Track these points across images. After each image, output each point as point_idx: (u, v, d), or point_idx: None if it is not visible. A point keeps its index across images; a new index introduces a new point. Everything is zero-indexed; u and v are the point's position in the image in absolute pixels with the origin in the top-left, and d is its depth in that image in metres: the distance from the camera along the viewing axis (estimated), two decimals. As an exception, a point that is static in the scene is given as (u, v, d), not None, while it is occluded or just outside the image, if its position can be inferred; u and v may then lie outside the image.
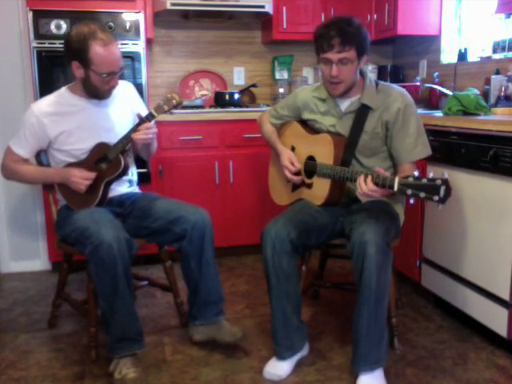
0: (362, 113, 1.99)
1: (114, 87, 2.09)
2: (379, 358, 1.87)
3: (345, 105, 2.03)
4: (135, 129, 2.06)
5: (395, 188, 1.65)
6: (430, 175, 1.58)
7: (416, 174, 1.61)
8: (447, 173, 2.28)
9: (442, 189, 1.54)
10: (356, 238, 1.81)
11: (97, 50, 1.95)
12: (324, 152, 2.01)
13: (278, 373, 1.96)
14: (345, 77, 1.92)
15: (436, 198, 1.55)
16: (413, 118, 1.97)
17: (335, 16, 1.97)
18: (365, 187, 1.74)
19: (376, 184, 1.71)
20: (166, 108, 2.08)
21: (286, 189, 2.26)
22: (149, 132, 2.06)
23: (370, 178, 1.73)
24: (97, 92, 2.08)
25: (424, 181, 1.58)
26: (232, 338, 2.11)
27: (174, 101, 2.08)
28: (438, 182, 1.55)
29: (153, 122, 2.10)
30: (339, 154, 1.98)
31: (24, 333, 2.38)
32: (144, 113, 2.17)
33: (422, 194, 1.58)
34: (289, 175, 2.12)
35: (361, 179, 1.75)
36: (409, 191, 1.61)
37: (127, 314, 1.94)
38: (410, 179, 1.61)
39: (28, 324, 2.47)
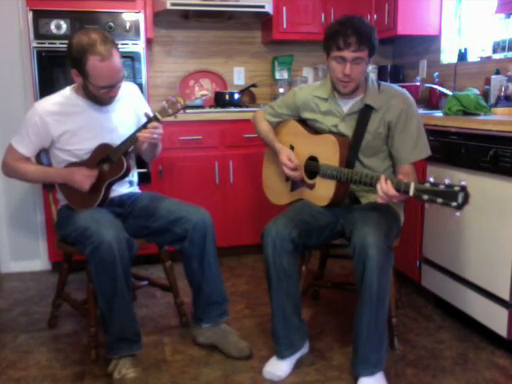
0: (365, 113, 1.98)
1: (113, 97, 2.08)
2: (380, 362, 1.87)
3: (347, 105, 2.02)
4: (140, 130, 2.05)
5: (411, 193, 1.64)
6: (447, 181, 1.57)
7: (432, 179, 1.61)
8: (448, 174, 2.30)
9: (461, 195, 1.54)
10: (357, 240, 1.80)
11: (94, 64, 1.92)
12: (328, 153, 2.00)
13: (278, 372, 1.96)
14: (356, 76, 1.91)
15: (454, 204, 1.55)
16: (414, 119, 1.97)
17: (346, 15, 1.94)
18: (384, 191, 1.71)
19: None
20: (170, 111, 2.07)
21: (284, 188, 2.25)
22: (155, 131, 2.04)
23: (390, 182, 1.71)
24: (96, 100, 2.08)
25: (442, 187, 1.57)
26: (238, 355, 2.09)
27: (178, 104, 2.07)
28: (457, 188, 1.55)
29: None
30: (344, 154, 1.97)
31: (24, 333, 2.38)
32: (149, 112, 2.17)
33: (440, 200, 1.57)
34: (287, 171, 2.10)
35: (381, 184, 1.72)
36: (425, 197, 1.60)
37: (126, 314, 1.94)
38: (427, 185, 1.60)
39: (28, 324, 2.47)
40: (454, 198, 1.55)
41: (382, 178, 1.74)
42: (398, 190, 1.69)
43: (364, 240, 1.78)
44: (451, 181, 1.58)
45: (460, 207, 1.55)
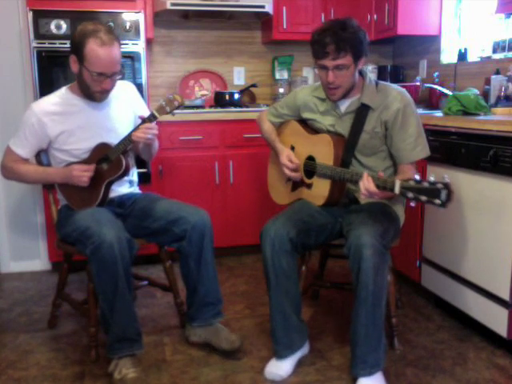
0: (361, 112, 1.99)
1: (106, 90, 2.07)
2: (378, 362, 1.86)
3: (344, 105, 2.03)
4: (135, 130, 2.05)
5: (396, 191, 1.64)
6: (431, 179, 1.57)
7: (417, 177, 1.60)
8: (448, 174, 2.29)
9: (444, 193, 1.53)
10: (352, 240, 1.81)
11: (92, 47, 1.94)
12: (324, 152, 2.01)
13: (279, 373, 1.96)
14: (342, 82, 1.91)
15: (437, 201, 1.54)
16: (412, 118, 1.97)
17: (331, 19, 1.96)
18: (365, 187, 1.73)
19: (377, 186, 1.71)
20: (168, 109, 2.07)
21: (285, 188, 2.26)
22: (148, 132, 2.04)
23: (371, 179, 1.73)
24: (89, 91, 2.06)
25: (425, 184, 1.57)
26: (229, 346, 2.10)
27: (176, 102, 2.07)
28: (440, 185, 1.54)
29: (154, 122, 2.09)
30: (339, 154, 1.98)
31: (24, 333, 2.38)
32: (145, 112, 2.17)
33: (424, 198, 1.57)
34: (287, 172, 2.11)
35: (363, 181, 1.74)
36: (410, 194, 1.60)
37: (127, 314, 1.94)
38: (412, 182, 1.60)
39: (28, 324, 2.47)
40: (437, 195, 1.54)
41: (365, 174, 1.75)
42: (384, 187, 1.69)
43: (359, 240, 1.78)
44: (436, 178, 1.57)
45: (444, 205, 1.54)
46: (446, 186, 1.54)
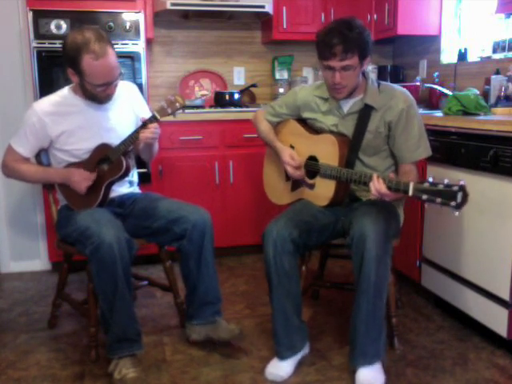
0: (365, 113, 1.98)
1: (111, 95, 2.08)
2: (378, 352, 1.87)
3: (347, 105, 2.02)
4: (138, 131, 2.05)
5: (410, 193, 1.64)
6: (446, 181, 1.57)
7: (431, 179, 1.60)
8: (448, 174, 2.30)
9: (459, 195, 1.54)
10: (356, 230, 1.81)
11: (89, 63, 1.92)
12: (327, 153, 2.00)
13: (280, 373, 1.96)
14: (348, 82, 1.91)
15: (453, 203, 1.55)
16: (415, 119, 1.97)
17: (336, 19, 1.95)
18: (376, 189, 1.72)
19: (389, 188, 1.71)
20: (169, 111, 2.07)
21: (285, 188, 2.25)
22: (155, 131, 2.05)
23: (381, 181, 1.72)
24: (94, 98, 2.07)
25: (440, 187, 1.57)
26: (229, 335, 2.11)
27: (177, 104, 2.07)
28: (455, 188, 1.55)
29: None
30: (344, 154, 1.98)
31: (24, 333, 2.37)
32: (146, 113, 2.16)
33: (439, 200, 1.57)
34: (291, 170, 2.10)
35: (373, 182, 1.74)
36: (424, 196, 1.60)
37: (127, 314, 1.94)
38: (426, 184, 1.60)
39: (28, 324, 2.47)
40: (453, 197, 1.55)
41: (375, 176, 1.74)
42: (397, 189, 1.69)
43: (362, 230, 1.78)
44: (450, 181, 1.58)
45: (459, 207, 1.55)
46: (462, 188, 1.54)
